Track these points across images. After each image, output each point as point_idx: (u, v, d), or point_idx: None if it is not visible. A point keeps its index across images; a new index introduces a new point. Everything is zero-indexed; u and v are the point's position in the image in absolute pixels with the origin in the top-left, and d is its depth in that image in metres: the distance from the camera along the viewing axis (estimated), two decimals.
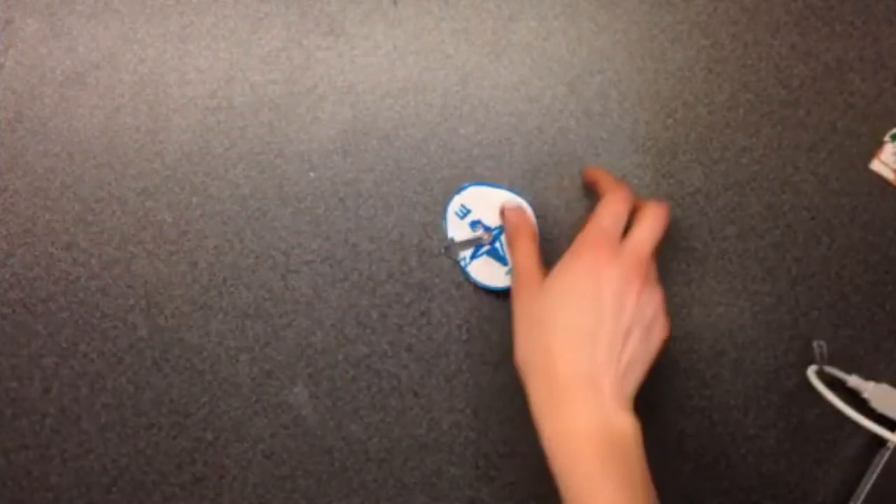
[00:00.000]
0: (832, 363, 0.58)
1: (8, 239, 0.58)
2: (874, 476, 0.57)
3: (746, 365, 0.59)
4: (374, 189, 0.58)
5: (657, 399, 0.58)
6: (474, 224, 0.57)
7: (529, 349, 0.48)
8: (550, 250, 0.58)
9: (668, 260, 0.59)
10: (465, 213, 0.57)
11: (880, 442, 0.57)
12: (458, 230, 0.57)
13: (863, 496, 0.57)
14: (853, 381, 0.57)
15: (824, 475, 0.59)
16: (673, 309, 0.59)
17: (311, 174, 0.58)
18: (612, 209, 0.51)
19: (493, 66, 0.59)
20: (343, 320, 0.58)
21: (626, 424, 0.46)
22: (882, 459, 0.57)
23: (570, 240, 0.58)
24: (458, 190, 0.57)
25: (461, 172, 0.58)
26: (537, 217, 0.58)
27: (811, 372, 0.57)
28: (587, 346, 0.46)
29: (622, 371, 0.47)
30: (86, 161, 0.58)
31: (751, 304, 0.59)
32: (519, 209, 0.56)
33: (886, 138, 0.59)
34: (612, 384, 0.46)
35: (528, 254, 0.52)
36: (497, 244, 0.56)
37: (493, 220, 0.57)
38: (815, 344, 0.58)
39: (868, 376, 0.57)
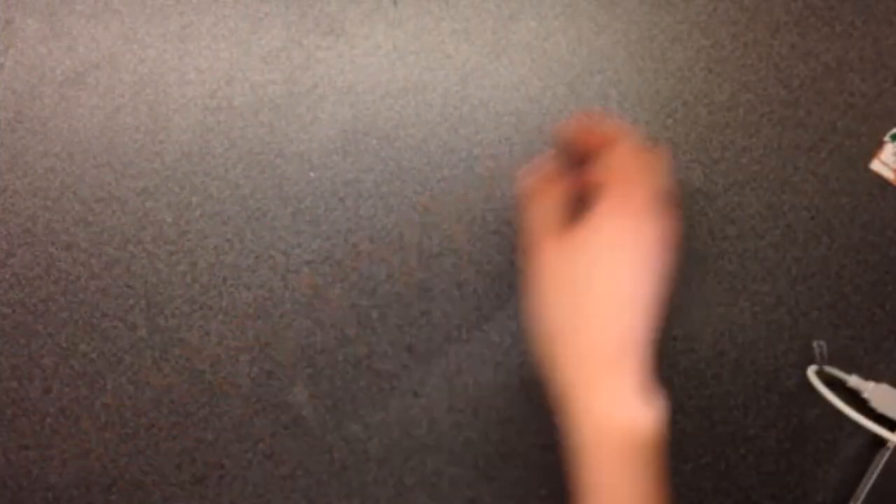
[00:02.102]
0: (832, 363, 0.58)
1: (8, 239, 0.58)
2: (874, 476, 0.57)
3: (746, 365, 0.59)
4: (374, 189, 0.58)
5: None
6: None
7: (557, 315, 0.43)
8: None
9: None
10: None
11: (880, 442, 0.57)
12: None
13: (863, 496, 0.57)
14: (853, 381, 0.57)
15: (824, 475, 0.59)
16: (673, 309, 0.59)
17: (311, 174, 0.58)
18: (628, 160, 0.46)
19: (493, 66, 0.59)
20: (343, 320, 0.58)
21: (647, 416, 0.42)
22: (882, 459, 0.57)
23: None
24: None
25: (461, 172, 0.58)
26: None
27: (811, 372, 0.57)
28: (625, 313, 0.42)
29: (648, 341, 0.43)
30: (86, 161, 0.58)
31: (751, 304, 0.59)
32: (539, 171, 0.49)
33: (886, 138, 0.59)
34: (640, 360, 0.42)
35: (551, 208, 0.46)
36: None
37: None
38: (815, 344, 0.58)
39: (868, 376, 0.57)
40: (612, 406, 0.42)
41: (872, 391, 0.57)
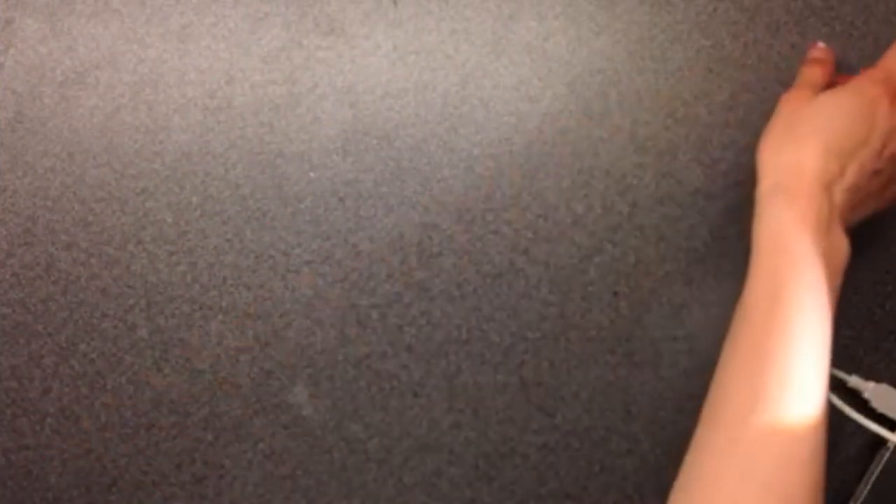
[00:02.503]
0: (832, 363, 0.58)
1: (8, 239, 0.58)
2: (874, 476, 0.57)
3: None
4: (374, 189, 0.58)
5: (657, 399, 0.59)
6: None
7: (777, 145, 0.49)
8: (550, 250, 0.58)
9: (667, 260, 0.59)
10: None
11: (880, 442, 0.57)
12: None
13: (863, 496, 0.57)
14: (853, 381, 0.57)
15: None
16: (673, 309, 0.59)
17: (311, 174, 0.58)
18: None
19: (493, 66, 0.59)
20: (343, 320, 0.58)
21: (838, 239, 0.48)
22: (882, 459, 0.57)
23: (570, 241, 0.58)
24: None
25: (461, 172, 0.58)
26: (537, 216, 0.58)
27: None
28: (841, 157, 0.48)
29: (857, 199, 0.49)
30: (86, 161, 0.58)
31: None
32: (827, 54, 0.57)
33: None
34: (844, 201, 0.48)
35: (817, 74, 0.54)
36: None
37: None
38: None
39: (868, 376, 0.57)
40: (795, 212, 0.47)
41: (872, 391, 0.57)
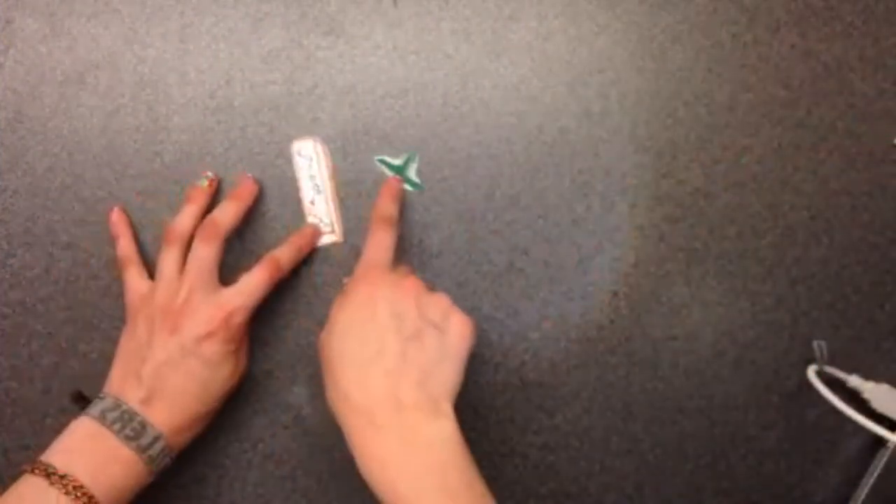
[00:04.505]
0: (832, 363, 0.58)
1: (8, 239, 0.58)
2: (874, 476, 0.57)
3: (746, 365, 0.59)
4: (375, 189, 0.58)
5: (657, 399, 0.59)
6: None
7: (331, 391, 0.48)
8: (551, 251, 0.58)
9: (667, 260, 0.59)
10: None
11: (880, 442, 0.57)
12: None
13: (863, 496, 0.57)
14: (853, 381, 0.57)
15: (824, 475, 0.59)
16: (673, 309, 0.59)
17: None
18: (377, 242, 0.52)
19: (493, 66, 0.59)
20: None
21: (435, 432, 0.46)
22: (882, 459, 0.57)
23: (570, 241, 0.58)
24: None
25: (461, 172, 0.58)
26: (537, 216, 0.58)
27: (811, 372, 0.57)
28: (376, 366, 0.46)
29: (422, 375, 0.46)
30: (86, 161, 0.58)
31: (751, 304, 0.59)
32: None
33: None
34: (414, 392, 0.46)
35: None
36: None
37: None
38: (815, 344, 0.58)
39: (868, 376, 0.57)
40: (388, 448, 0.45)
41: (872, 391, 0.57)
